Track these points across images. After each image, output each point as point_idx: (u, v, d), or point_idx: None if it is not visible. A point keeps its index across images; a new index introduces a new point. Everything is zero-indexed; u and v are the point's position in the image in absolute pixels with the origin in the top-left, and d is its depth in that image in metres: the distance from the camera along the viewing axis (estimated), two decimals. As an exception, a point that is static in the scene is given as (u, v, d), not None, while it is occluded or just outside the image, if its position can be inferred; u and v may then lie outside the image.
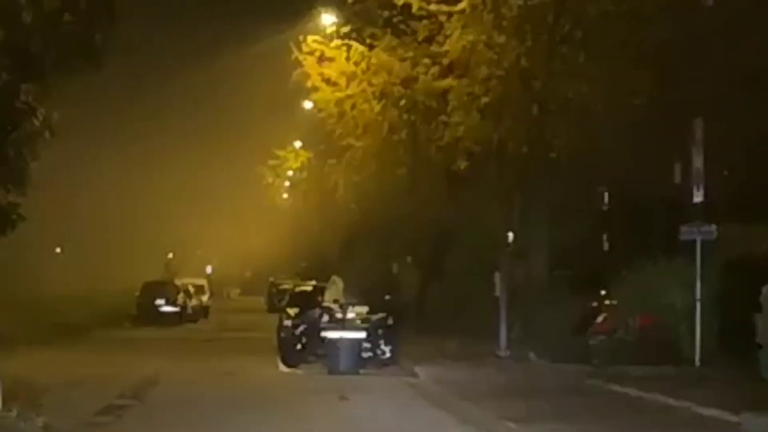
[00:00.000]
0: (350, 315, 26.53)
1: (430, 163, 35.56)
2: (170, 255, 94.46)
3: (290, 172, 70.47)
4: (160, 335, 40.92)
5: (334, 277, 28.30)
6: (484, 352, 28.40)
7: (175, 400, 19.42)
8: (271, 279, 78.73)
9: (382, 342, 26.57)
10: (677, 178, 35.15)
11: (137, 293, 49.18)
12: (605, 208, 36.02)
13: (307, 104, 51.10)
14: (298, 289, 35.78)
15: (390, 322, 26.96)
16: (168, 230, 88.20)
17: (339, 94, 37.61)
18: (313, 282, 36.53)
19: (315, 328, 26.21)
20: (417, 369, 24.89)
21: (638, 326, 24.55)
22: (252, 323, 50.57)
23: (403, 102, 31.24)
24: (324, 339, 25.33)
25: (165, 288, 49.50)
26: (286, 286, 66.26)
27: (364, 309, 27.21)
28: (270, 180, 70.24)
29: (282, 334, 30.04)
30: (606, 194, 35.74)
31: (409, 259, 47.72)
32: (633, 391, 20.43)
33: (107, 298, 56.48)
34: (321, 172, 58.71)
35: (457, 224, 37.10)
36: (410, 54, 29.80)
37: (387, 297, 29.51)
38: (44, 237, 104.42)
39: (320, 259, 66.33)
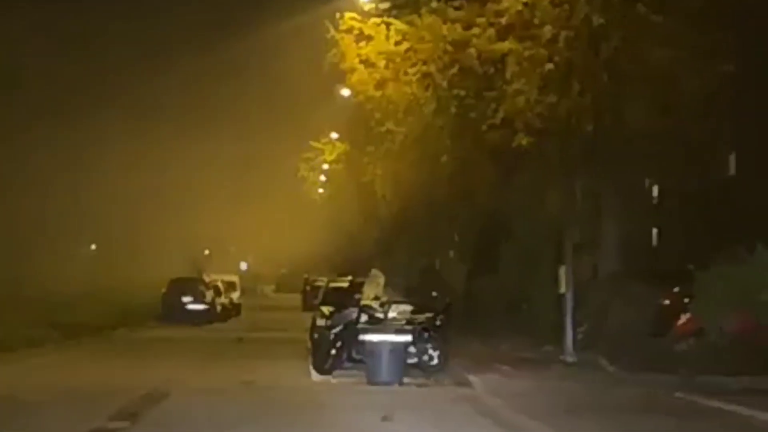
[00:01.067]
0: (392, 315, 22.63)
1: (480, 145, 31.58)
2: (207, 252, 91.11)
3: (325, 166, 67.08)
4: (184, 335, 37.19)
5: (374, 271, 24.33)
6: (546, 357, 24.45)
7: (181, 421, 15.47)
8: (306, 276, 75.45)
9: (429, 346, 22.69)
10: (731, 169, 31.57)
11: (163, 290, 45.32)
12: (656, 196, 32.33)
13: (344, 92, 48.12)
14: (332, 285, 31.80)
15: (438, 322, 23.01)
16: (202, 227, 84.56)
17: (377, 76, 33.88)
18: (350, 277, 32.65)
19: (352, 330, 22.28)
20: (471, 378, 20.86)
21: (735, 328, 20.38)
22: (285, 322, 46.90)
23: (454, 70, 27.06)
24: (363, 343, 21.31)
25: (192, 285, 45.57)
26: (321, 283, 63.16)
27: (408, 308, 23.34)
28: (305, 173, 66.80)
29: (315, 335, 26.28)
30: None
31: (451, 253, 43.91)
32: (743, 410, 16.33)
33: (135, 295, 52.91)
34: (358, 163, 55.95)
35: (509, 214, 32.99)
36: (461, 14, 25.66)
37: (434, 294, 25.39)
38: (79, 234, 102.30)
39: (357, 255, 63.32)
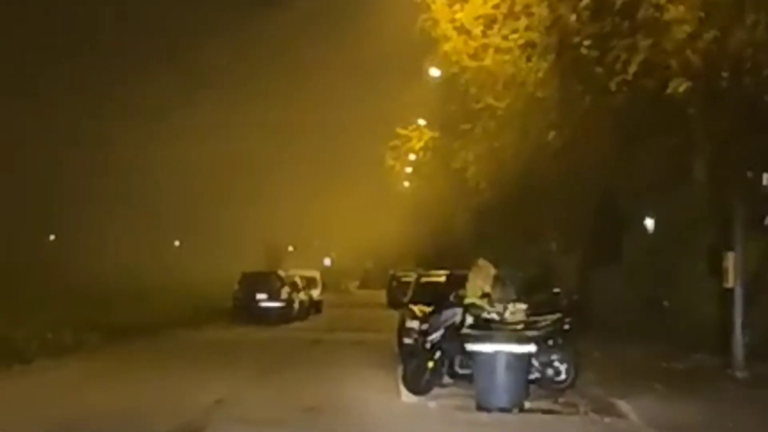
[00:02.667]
0: (508, 316, 16.86)
1: (598, 112, 25.70)
2: (291, 248, 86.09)
3: (412, 156, 61.61)
4: (255, 336, 31.67)
5: (481, 261, 18.41)
6: (702, 369, 18.46)
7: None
8: (392, 271, 70.00)
9: (555, 357, 16.88)
10: None
11: (235, 286, 39.64)
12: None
13: (434, 71, 42.88)
14: (425, 280, 25.99)
15: (566, 326, 17.13)
16: (285, 220, 79.35)
17: (474, 44, 30.03)
18: (446, 271, 26.85)
19: (455, 337, 16.52)
20: (617, 402, 14.94)
21: None
22: (369, 321, 41.42)
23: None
24: (470, 354, 15.52)
25: (267, 280, 39.70)
26: (408, 279, 57.73)
27: (522, 307, 17.52)
28: (391, 163, 61.44)
29: (405, 340, 20.63)
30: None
31: (553, 245, 37.93)
32: None
33: (210, 291, 47.73)
34: (448, 150, 51.06)
35: (636, 192, 26.91)
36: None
37: (556, 290, 19.40)
38: (166, 231, 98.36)
39: (447, 248, 58.01)
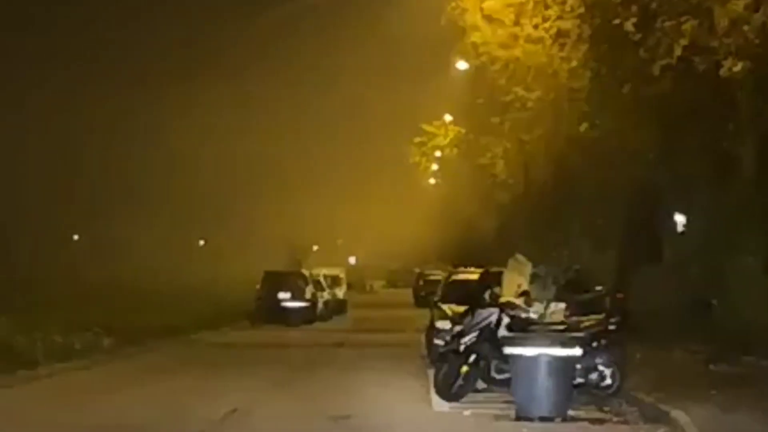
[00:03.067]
0: (548, 316, 15.40)
1: (637, 101, 24.21)
2: (315, 247, 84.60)
3: (438, 153, 60.15)
4: (277, 338, 30.35)
5: (518, 257, 16.93)
6: (758, 375, 16.91)
7: None
8: (417, 270, 68.66)
9: (600, 361, 15.37)
10: None
11: (257, 286, 38.18)
12: None
13: (460, 64, 41.70)
14: (455, 278, 24.48)
15: (612, 326, 15.63)
16: (309, 219, 77.76)
17: (504, 33, 29.62)
18: (476, 268, 25.36)
19: (491, 339, 15.07)
20: (673, 412, 13.41)
21: None
22: (396, 320, 40.00)
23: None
24: (508, 357, 14.04)
25: (290, 279, 38.20)
26: (436, 277, 56.30)
27: (562, 306, 16.03)
28: (417, 159, 60.02)
29: (435, 341, 19.27)
30: None
31: (586, 243, 36.41)
32: None
33: (233, 291, 46.38)
34: (474, 146, 49.81)
35: (676, 185, 25.32)
36: None
37: (598, 288, 17.85)
38: (191, 230, 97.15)
39: (473, 247, 56.53)
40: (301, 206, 75.80)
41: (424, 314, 44.27)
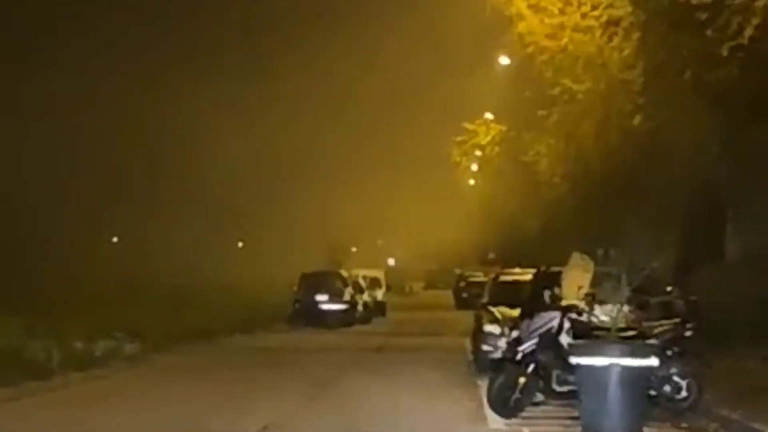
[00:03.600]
0: (617, 321, 13.53)
1: (698, 91, 22.33)
2: (354, 249, 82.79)
3: (478, 152, 58.31)
4: (314, 342, 28.66)
5: (578, 255, 15.04)
6: None
7: None
8: (458, 271, 66.92)
9: (674, 371, 13.52)
10: None
11: (294, 287, 36.49)
12: None
13: (503, 59, 40.10)
14: (503, 279, 22.65)
15: (687, 333, 13.79)
16: (348, 219, 75.97)
17: (551, 22, 27.87)
18: (519, 269, 23.56)
19: (551, 346, 13.27)
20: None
21: None
22: (437, 323, 38.32)
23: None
24: (573, 368, 12.21)
25: (328, 280, 36.44)
26: (477, 278, 54.73)
27: (631, 311, 14.13)
28: (457, 159, 58.26)
29: (484, 347, 17.54)
30: None
31: (640, 243, 34.36)
32: None
33: (271, 292, 44.62)
34: (518, 143, 47.94)
35: (742, 182, 23.32)
36: None
37: (669, 288, 15.96)
38: (229, 232, 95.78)
39: (514, 248, 54.79)
40: (341, 206, 74.15)
41: (466, 317, 42.55)
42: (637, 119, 25.24)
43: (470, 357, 21.21)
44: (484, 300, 21.08)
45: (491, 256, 67.93)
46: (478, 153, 58.99)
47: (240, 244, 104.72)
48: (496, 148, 55.22)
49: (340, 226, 72.91)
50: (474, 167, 62.80)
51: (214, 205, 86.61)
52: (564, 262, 15.23)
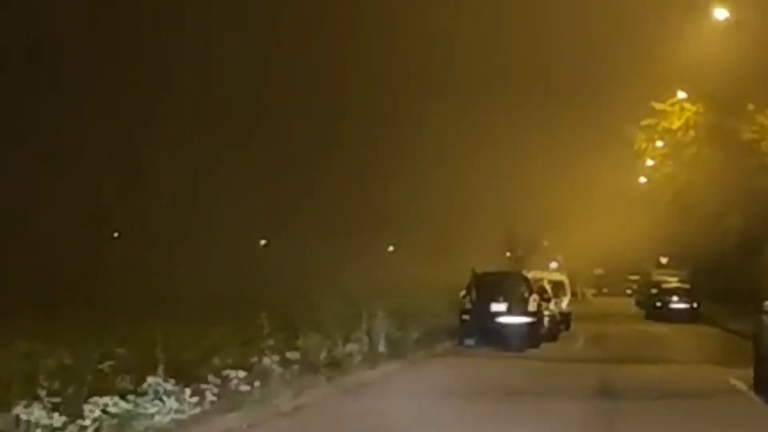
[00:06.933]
0: None
1: None
2: (520, 253, 72.79)
3: (659, 143, 48.71)
4: (487, 376, 19.07)
5: None
6: None
7: None
8: (636, 276, 57.56)
9: None
10: None
11: (462, 292, 26.59)
12: None
13: (719, 12, 31.95)
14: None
15: None
16: (515, 218, 65.84)
17: None
18: None
19: None
20: None
21: None
22: (634, 338, 30.02)
23: None
24: None
25: (509, 284, 26.11)
26: (672, 284, 45.30)
27: None
28: (642, 146, 48.68)
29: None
30: None
31: None
32: None
33: (429, 299, 34.57)
34: (718, 126, 39.37)
35: None
36: None
37: None
38: (379, 236, 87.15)
39: (707, 251, 44.86)
40: (509, 201, 64.79)
41: (674, 332, 32.48)
42: None
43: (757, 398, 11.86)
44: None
45: (663, 260, 58.19)
46: (660, 143, 49.87)
47: (391, 248, 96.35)
48: (691, 132, 45.54)
49: (504, 226, 63.49)
50: (649, 162, 53.33)
51: (362, 208, 78.55)
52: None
